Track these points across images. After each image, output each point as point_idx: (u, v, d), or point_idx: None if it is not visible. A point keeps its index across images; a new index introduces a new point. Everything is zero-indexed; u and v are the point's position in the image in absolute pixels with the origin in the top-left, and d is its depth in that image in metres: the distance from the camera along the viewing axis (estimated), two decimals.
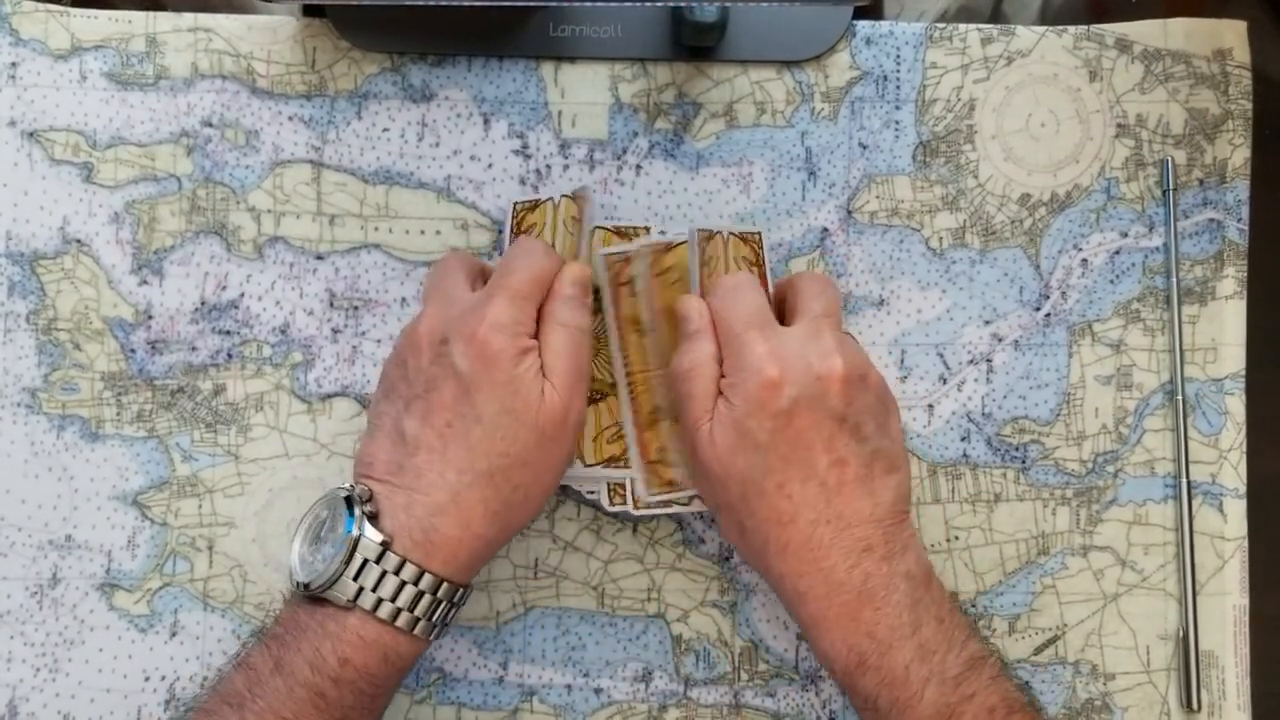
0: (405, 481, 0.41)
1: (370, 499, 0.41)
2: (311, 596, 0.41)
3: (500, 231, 0.50)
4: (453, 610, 0.42)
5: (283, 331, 0.50)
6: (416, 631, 0.41)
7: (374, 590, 0.40)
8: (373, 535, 0.40)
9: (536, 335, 0.43)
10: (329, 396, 0.50)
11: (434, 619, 0.41)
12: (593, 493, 0.48)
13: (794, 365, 0.42)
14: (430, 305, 0.44)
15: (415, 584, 0.40)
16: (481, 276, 0.46)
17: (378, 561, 0.40)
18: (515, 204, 0.48)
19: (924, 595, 0.42)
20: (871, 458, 0.42)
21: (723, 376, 0.43)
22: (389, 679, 0.41)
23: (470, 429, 0.41)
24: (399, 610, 0.40)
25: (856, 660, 0.41)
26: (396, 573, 0.40)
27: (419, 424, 0.42)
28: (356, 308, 0.50)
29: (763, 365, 0.42)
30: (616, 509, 0.48)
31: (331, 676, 0.40)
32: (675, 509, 0.47)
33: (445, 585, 0.41)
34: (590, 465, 0.47)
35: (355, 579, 0.40)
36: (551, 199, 0.48)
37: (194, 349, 0.50)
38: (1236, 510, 0.50)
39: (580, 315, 0.44)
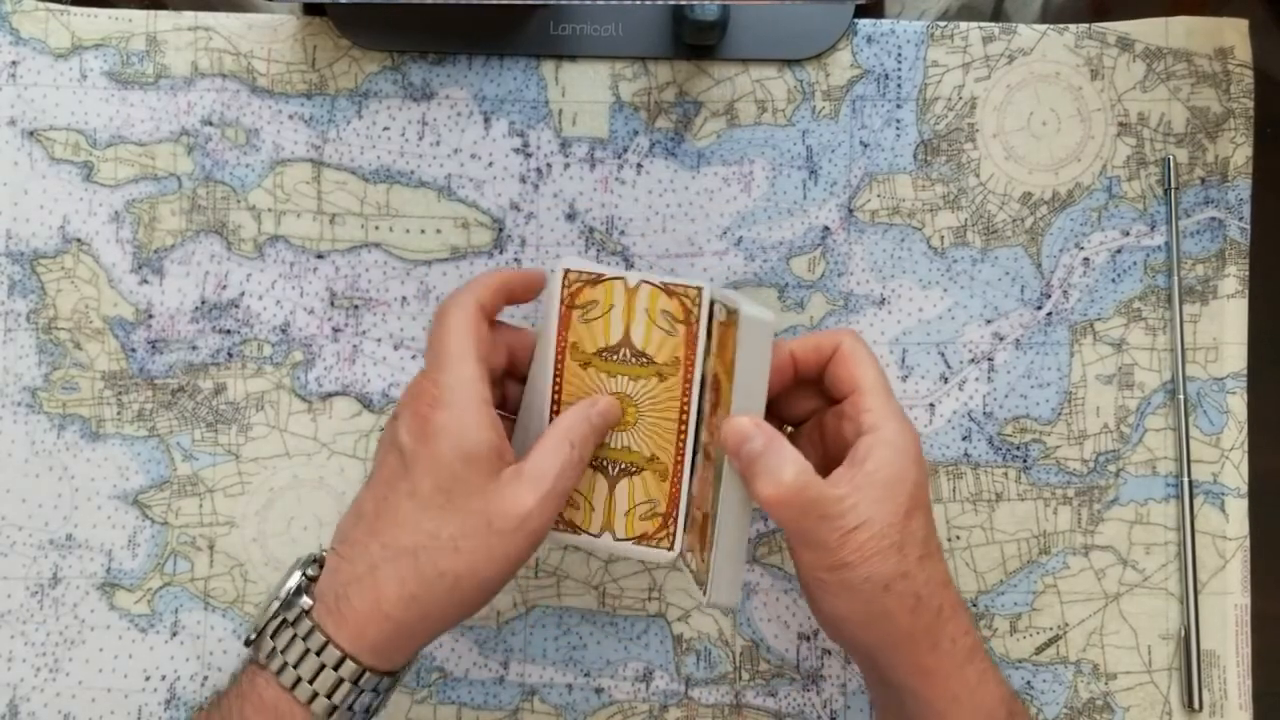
0: (343, 550, 0.39)
1: (318, 563, 0.40)
2: (249, 646, 0.40)
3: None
4: (358, 695, 0.38)
5: (283, 330, 0.50)
6: (314, 708, 0.38)
7: (282, 652, 0.38)
8: (301, 598, 0.39)
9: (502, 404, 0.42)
10: (329, 396, 0.50)
11: (334, 699, 0.38)
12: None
13: (919, 461, 0.40)
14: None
15: (318, 654, 0.38)
16: (500, 300, 0.42)
17: (293, 624, 0.38)
18: (568, 271, 0.43)
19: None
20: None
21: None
22: None
23: (401, 503, 0.39)
24: (298, 679, 0.38)
25: (1008, 712, 0.39)
26: (305, 639, 0.38)
27: (365, 492, 0.40)
28: (357, 307, 0.50)
29: (909, 423, 0.40)
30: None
31: None
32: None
33: (349, 663, 0.38)
34: (621, 540, 0.43)
35: (272, 637, 0.38)
36: (624, 279, 0.42)
37: (194, 348, 0.50)
38: (1238, 509, 0.50)
39: (590, 446, 0.41)
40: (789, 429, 0.45)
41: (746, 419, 0.39)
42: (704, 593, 0.40)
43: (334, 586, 0.39)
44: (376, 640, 0.38)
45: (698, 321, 0.41)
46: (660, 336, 0.42)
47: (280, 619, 0.39)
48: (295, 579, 0.40)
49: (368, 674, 0.38)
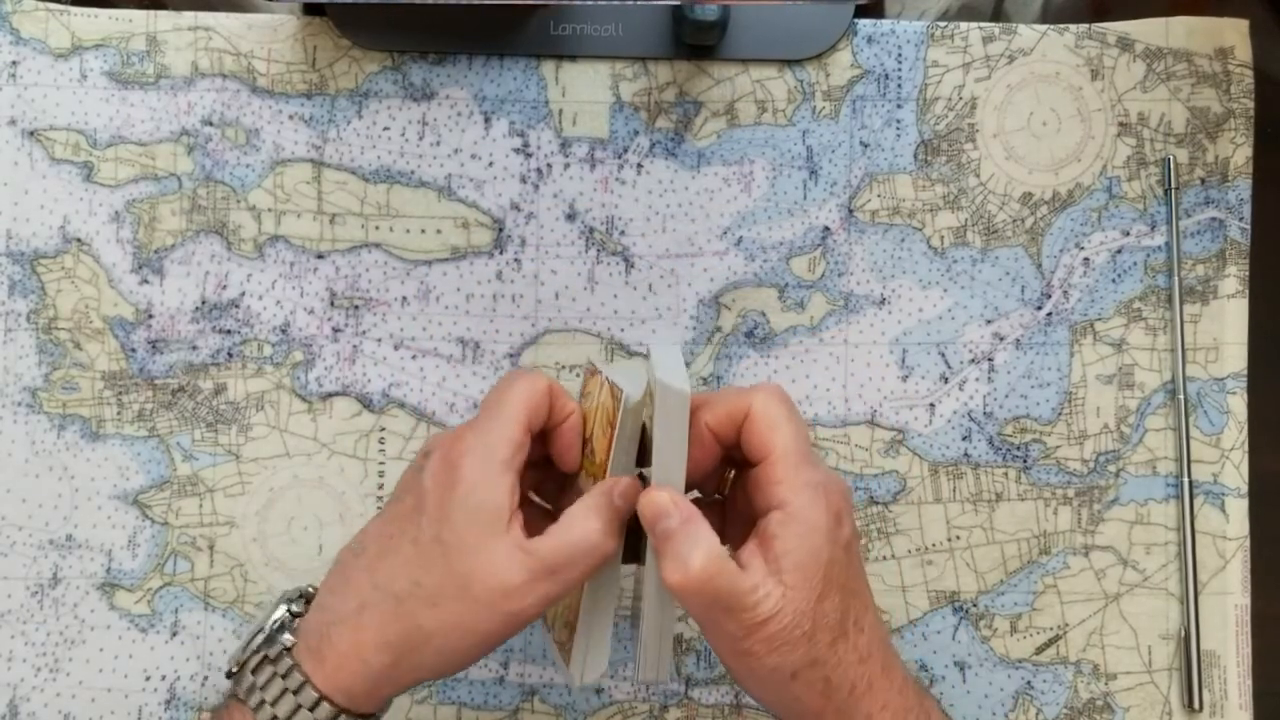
0: (335, 583, 0.39)
1: (304, 598, 0.40)
2: (229, 679, 0.39)
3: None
4: None
5: (283, 331, 0.50)
6: None
7: (260, 689, 0.38)
8: (283, 634, 0.38)
9: (554, 503, 0.40)
10: (329, 396, 0.50)
11: None
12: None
13: (838, 491, 0.38)
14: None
15: (295, 693, 0.37)
16: (543, 410, 0.40)
17: (273, 661, 0.38)
18: (590, 362, 0.44)
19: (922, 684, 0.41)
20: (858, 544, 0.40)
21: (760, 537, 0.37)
22: None
23: (404, 546, 0.38)
24: (274, 717, 0.37)
25: None
26: (284, 677, 0.37)
27: (374, 527, 0.40)
28: (357, 307, 0.50)
29: (826, 493, 0.37)
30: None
31: None
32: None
33: (325, 705, 0.37)
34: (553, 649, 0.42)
35: (252, 673, 0.38)
36: (600, 373, 0.41)
37: (194, 348, 0.50)
38: (1238, 510, 0.50)
39: (612, 541, 0.38)
40: (717, 496, 0.42)
41: (665, 494, 0.37)
42: (574, 676, 0.39)
43: (319, 625, 0.38)
44: (352, 685, 0.37)
45: (617, 420, 0.39)
46: (599, 434, 0.40)
47: (262, 655, 0.38)
48: (280, 613, 0.39)
49: (343, 716, 0.37)
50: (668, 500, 0.37)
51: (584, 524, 0.37)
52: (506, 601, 0.37)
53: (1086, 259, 0.51)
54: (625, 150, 0.51)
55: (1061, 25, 0.51)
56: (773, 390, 0.39)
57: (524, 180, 0.51)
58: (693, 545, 0.36)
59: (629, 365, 0.50)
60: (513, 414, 0.38)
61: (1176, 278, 0.50)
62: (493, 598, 0.36)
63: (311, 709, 0.37)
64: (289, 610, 0.40)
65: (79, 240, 0.50)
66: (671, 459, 0.38)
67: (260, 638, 0.39)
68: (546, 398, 0.39)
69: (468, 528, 0.37)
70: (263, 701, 0.37)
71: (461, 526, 0.37)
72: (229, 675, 0.39)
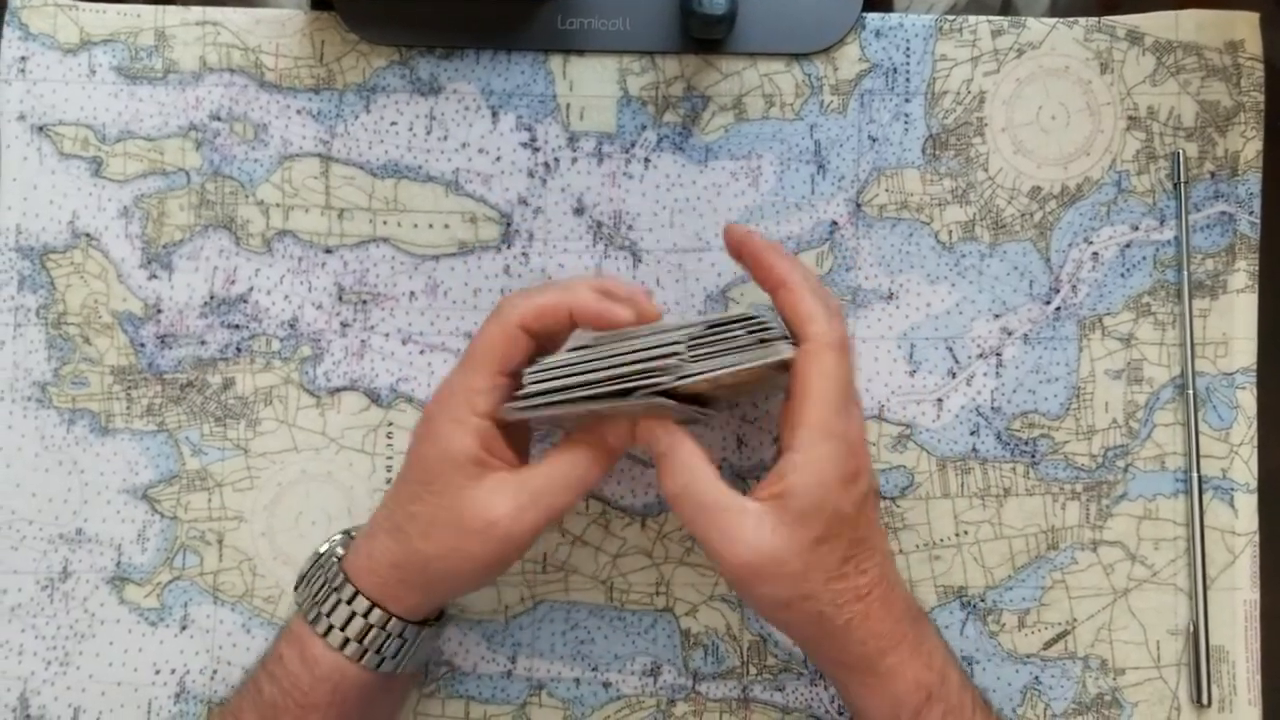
0: (378, 508, 0.44)
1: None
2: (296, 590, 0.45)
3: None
4: (369, 630, 0.42)
5: (291, 325, 0.50)
6: (329, 639, 0.41)
7: (312, 595, 0.43)
8: (339, 549, 0.44)
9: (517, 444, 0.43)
10: (338, 390, 0.50)
11: (347, 631, 0.41)
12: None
13: (864, 448, 0.40)
14: None
15: (336, 589, 0.42)
16: (541, 323, 0.42)
17: (323, 564, 0.43)
18: None
19: (925, 613, 0.43)
20: (878, 498, 0.42)
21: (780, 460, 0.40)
22: (312, 689, 0.41)
23: (399, 484, 0.43)
24: (318, 614, 0.42)
25: (925, 696, 0.40)
26: (328, 575, 0.42)
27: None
28: (365, 301, 0.50)
29: (850, 448, 0.40)
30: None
31: (269, 670, 0.42)
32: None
33: (361, 599, 0.41)
34: None
35: (308, 583, 0.43)
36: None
37: (203, 343, 0.50)
38: (1247, 505, 0.50)
39: (596, 472, 0.42)
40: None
41: (654, 422, 0.41)
42: None
43: (356, 537, 0.44)
44: (371, 588, 0.42)
45: None
46: None
47: (316, 562, 0.44)
48: (338, 536, 0.46)
49: (376, 610, 0.41)
50: (659, 427, 0.40)
51: (570, 456, 0.41)
52: (496, 529, 0.40)
53: (1095, 253, 0.51)
54: (633, 144, 0.51)
55: (1070, 19, 0.51)
56: (839, 333, 0.40)
57: (531, 175, 0.51)
58: (677, 462, 0.40)
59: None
60: (480, 362, 0.42)
61: (1186, 272, 0.50)
62: (483, 526, 0.40)
63: (349, 601, 0.41)
64: (348, 534, 0.46)
65: (88, 235, 0.50)
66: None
67: (316, 555, 0.44)
68: (520, 336, 0.41)
69: (447, 471, 0.41)
70: (312, 602, 0.42)
71: (440, 470, 0.41)
72: (296, 589, 0.44)
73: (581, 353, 0.40)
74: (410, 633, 0.42)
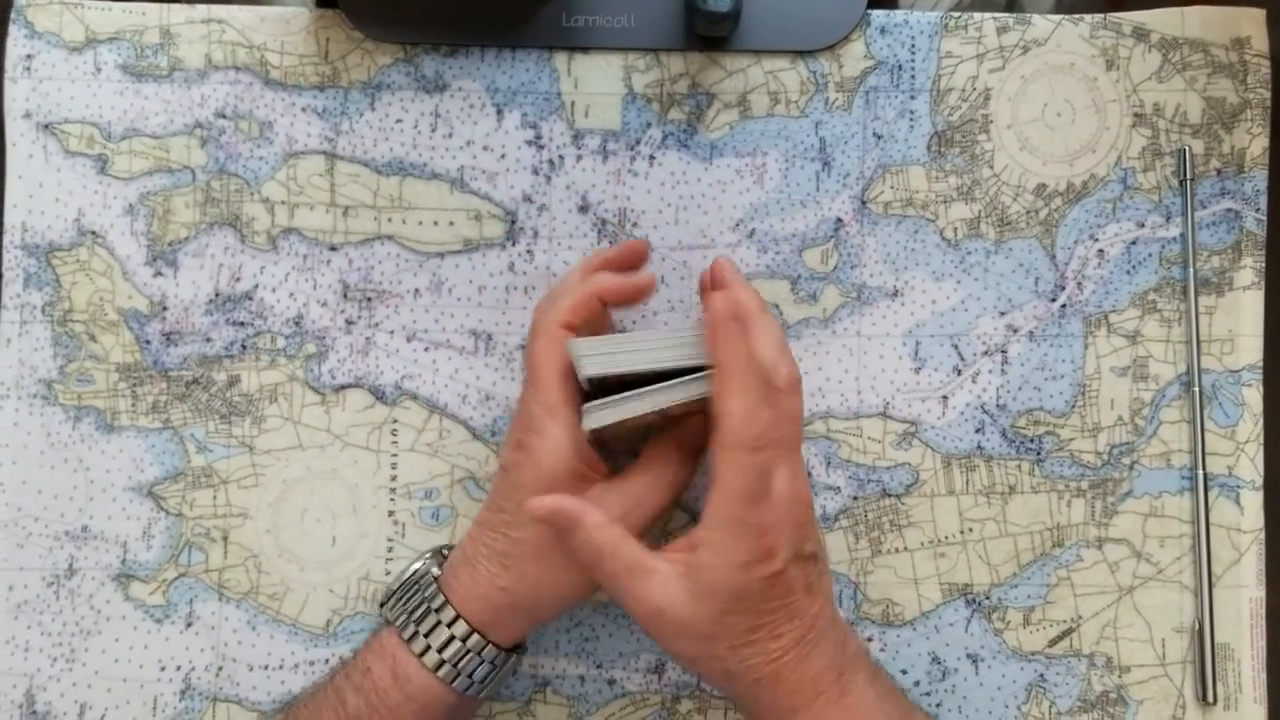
0: (474, 530, 0.45)
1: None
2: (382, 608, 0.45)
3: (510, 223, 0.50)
4: (465, 655, 0.42)
5: (296, 323, 0.50)
6: (425, 660, 0.42)
7: (406, 610, 0.43)
8: (433, 567, 0.45)
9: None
10: (342, 388, 0.50)
11: (444, 654, 0.42)
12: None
13: (785, 526, 0.39)
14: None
15: (436, 611, 0.42)
16: (587, 311, 0.44)
17: (418, 582, 0.44)
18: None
19: (879, 676, 0.42)
20: (813, 564, 0.41)
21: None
22: (399, 706, 0.42)
23: (496, 517, 0.44)
24: (415, 632, 0.42)
25: None
26: (429, 598, 0.43)
27: (490, 496, 0.45)
28: (370, 299, 0.50)
29: (759, 536, 0.39)
30: None
31: (354, 683, 0.42)
32: None
33: (461, 623, 0.42)
34: None
35: (401, 600, 0.44)
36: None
37: (208, 340, 0.50)
38: (1253, 502, 0.49)
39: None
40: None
41: (553, 500, 0.41)
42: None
43: (454, 560, 0.44)
44: (474, 613, 0.42)
45: None
46: None
47: (410, 582, 0.44)
48: (429, 555, 0.46)
49: (475, 635, 0.42)
50: (553, 505, 0.41)
51: (661, 456, 0.44)
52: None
53: (1101, 250, 0.50)
54: (637, 142, 0.51)
55: (1076, 15, 0.51)
56: (734, 435, 0.39)
57: (536, 172, 0.51)
58: (585, 543, 0.40)
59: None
60: (548, 377, 0.43)
61: (1192, 269, 0.50)
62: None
63: (450, 624, 0.42)
64: (441, 554, 0.46)
65: (93, 233, 0.50)
66: (620, 350, 0.42)
67: (409, 573, 0.45)
68: (565, 336, 0.43)
69: (549, 492, 0.41)
70: (407, 619, 0.43)
71: (542, 492, 0.41)
72: (382, 605, 0.45)
73: (620, 342, 0.42)
74: (500, 659, 0.43)
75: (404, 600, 0.43)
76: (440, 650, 0.42)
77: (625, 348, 0.42)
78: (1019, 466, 0.50)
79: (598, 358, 0.42)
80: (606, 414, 0.42)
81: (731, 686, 0.40)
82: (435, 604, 0.43)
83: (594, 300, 0.44)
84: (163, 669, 0.49)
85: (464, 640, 0.42)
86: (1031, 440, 0.50)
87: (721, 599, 0.38)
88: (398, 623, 0.43)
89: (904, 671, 0.49)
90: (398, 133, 0.51)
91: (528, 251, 0.50)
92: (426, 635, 0.42)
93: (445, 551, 0.46)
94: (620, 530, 0.40)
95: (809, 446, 0.50)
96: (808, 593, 0.40)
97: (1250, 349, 0.50)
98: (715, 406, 0.39)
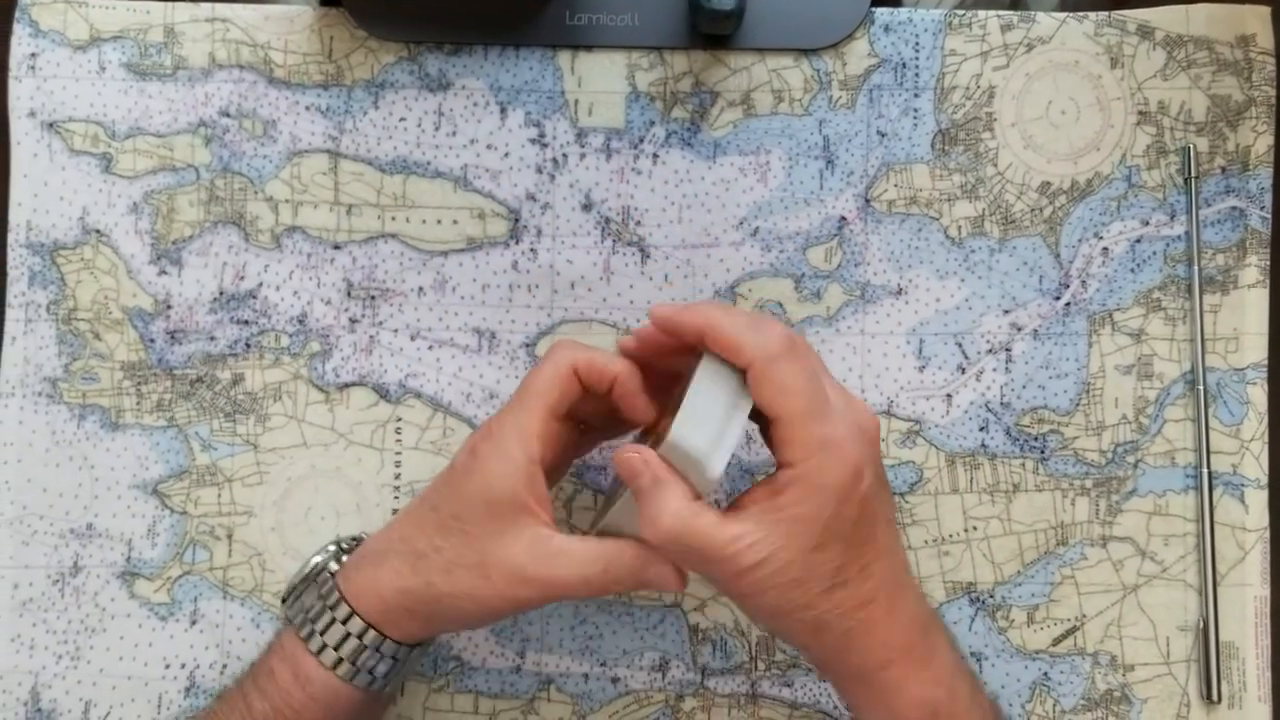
0: (380, 529, 0.44)
1: (357, 541, 0.46)
2: (283, 604, 0.45)
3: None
4: (362, 651, 0.41)
5: (300, 321, 0.50)
6: (322, 658, 0.41)
7: (305, 610, 0.42)
8: (331, 563, 0.44)
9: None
10: (346, 386, 0.50)
11: (340, 651, 0.41)
12: None
13: (860, 442, 0.38)
14: None
15: (331, 608, 0.41)
16: (571, 389, 0.42)
17: (316, 579, 0.43)
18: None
19: (956, 640, 0.42)
20: (888, 494, 0.41)
21: (779, 468, 0.39)
22: (304, 707, 0.41)
23: (427, 512, 0.42)
24: (312, 631, 0.41)
25: (928, 714, 0.39)
26: (324, 595, 0.42)
27: (428, 487, 0.44)
28: (374, 297, 0.50)
29: (841, 452, 0.38)
30: None
31: (260, 686, 0.42)
32: None
33: (356, 619, 0.41)
34: None
35: (299, 597, 0.43)
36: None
37: (212, 339, 0.50)
38: (1258, 501, 0.49)
39: (608, 585, 0.41)
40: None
41: (637, 455, 0.39)
42: None
43: (355, 558, 0.43)
44: (371, 610, 0.41)
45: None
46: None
47: (308, 578, 0.43)
48: (331, 548, 0.45)
49: (372, 632, 0.41)
50: (639, 462, 0.39)
51: (620, 545, 0.40)
52: (517, 588, 0.40)
53: (1105, 248, 0.50)
54: (641, 140, 0.51)
55: (1080, 13, 0.51)
56: (776, 343, 0.38)
57: (540, 170, 0.51)
58: (660, 507, 0.38)
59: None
60: (534, 401, 0.41)
61: (1196, 267, 0.50)
62: (507, 581, 0.39)
63: (344, 621, 0.41)
64: (340, 546, 0.45)
65: (98, 231, 0.50)
66: (694, 423, 0.39)
67: (307, 568, 0.44)
68: (573, 379, 0.41)
69: (484, 513, 0.40)
70: (305, 618, 0.42)
71: (478, 513, 0.40)
72: (283, 601, 0.44)
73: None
74: (403, 654, 0.42)
75: (300, 598, 0.43)
76: (337, 648, 0.41)
77: (709, 416, 0.39)
78: (1023, 465, 0.50)
79: (715, 453, 0.39)
80: (724, 450, 0.39)
81: (820, 641, 0.39)
82: (330, 600, 0.41)
83: (609, 375, 0.41)
84: (167, 667, 0.49)
85: (360, 637, 0.41)
86: (1036, 439, 0.50)
87: (814, 534, 0.37)
88: (295, 621, 0.42)
89: None
90: (401, 131, 0.51)
91: (531, 250, 0.51)
92: (323, 634, 0.41)
93: (346, 544, 0.45)
94: (693, 508, 0.38)
95: None
96: (889, 527, 0.40)
97: (1255, 347, 0.50)
98: (728, 347, 0.39)
